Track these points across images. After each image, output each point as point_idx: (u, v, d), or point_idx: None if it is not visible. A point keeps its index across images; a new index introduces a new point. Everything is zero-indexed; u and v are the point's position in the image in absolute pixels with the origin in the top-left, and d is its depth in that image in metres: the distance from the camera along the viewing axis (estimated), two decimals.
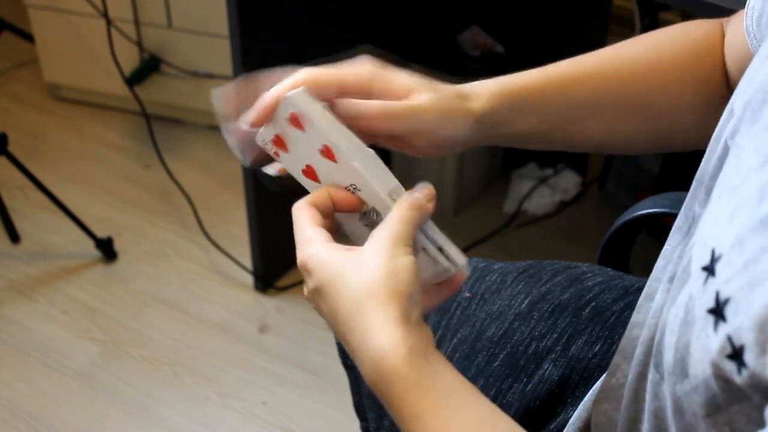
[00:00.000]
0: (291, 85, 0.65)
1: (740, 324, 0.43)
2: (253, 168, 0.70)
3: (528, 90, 0.71)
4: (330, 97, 0.66)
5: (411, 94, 0.67)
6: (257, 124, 0.66)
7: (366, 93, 0.67)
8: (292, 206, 0.65)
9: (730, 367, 0.44)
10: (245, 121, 0.66)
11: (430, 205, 0.64)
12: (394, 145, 0.70)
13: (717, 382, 0.45)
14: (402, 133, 0.68)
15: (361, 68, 0.68)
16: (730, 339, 0.44)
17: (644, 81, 0.74)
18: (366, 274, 0.59)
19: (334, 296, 0.60)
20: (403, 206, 0.62)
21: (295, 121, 0.65)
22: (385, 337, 0.57)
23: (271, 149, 0.67)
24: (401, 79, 0.68)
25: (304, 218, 0.64)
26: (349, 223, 0.67)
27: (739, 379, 0.44)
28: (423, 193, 0.64)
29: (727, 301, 0.45)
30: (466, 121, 0.69)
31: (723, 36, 0.76)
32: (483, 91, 0.70)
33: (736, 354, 0.43)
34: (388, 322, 0.57)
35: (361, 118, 0.66)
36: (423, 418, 0.56)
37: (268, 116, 0.65)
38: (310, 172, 0.67)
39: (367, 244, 0.61)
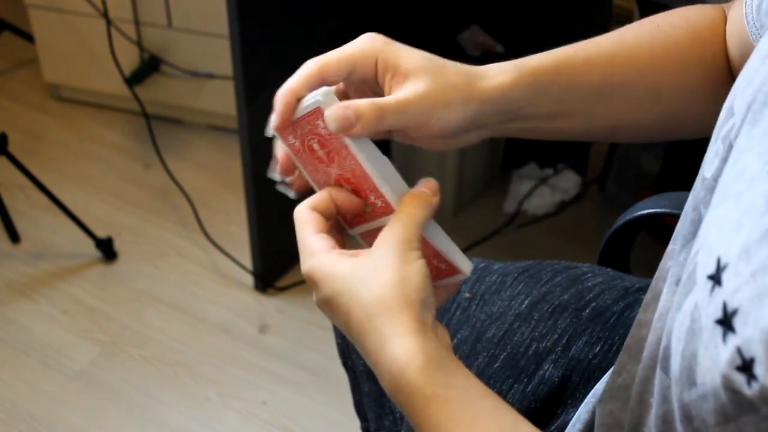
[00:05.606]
0: (304, 76, 0.62)
1: (750, 336, 0.42)
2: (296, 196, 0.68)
3: (541, 71, 0.68)
4: (343, 80, 0.64)
5: (408, 78, 0.63)
6: (282, 126, 0.63)
7: (373, 71, 0.64)
8: (294, 210, 0.63)
9: (740, 379, 0.43)
10: (269, 129, 0.64)
11: (436, 200, 0.62)
12: (395, 137, 0.68)
13: (726, 393, 0.45)
14: (395, 128, 0.64)
15: (366, 45, 0.64)
16: (740, 351, 0.43)
17: (653, 65, 0.73)
18: (376, 285, 0.57)
19: (344, 308, 0.58)
20: (408, 205, 0.61)
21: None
22: (401, 349, 0.56)
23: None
24: (406, 57, 0.64)
25: (306, 225, 0.62)
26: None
27: (749, 391, 0.43)
28: (427, 187, 0.62)
29: (735, 311, 0.44)
30: (465, 106, 0.64)
31: (725, 21, 0.75)
32: (497, 72, 0.67)
33: (746, 366, 0.43)
34: (403, 333, 0.57)
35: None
36: (442, 430, 0.56)
37: (289, 115, 0.62)
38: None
39: (374, 249, 0.59)
